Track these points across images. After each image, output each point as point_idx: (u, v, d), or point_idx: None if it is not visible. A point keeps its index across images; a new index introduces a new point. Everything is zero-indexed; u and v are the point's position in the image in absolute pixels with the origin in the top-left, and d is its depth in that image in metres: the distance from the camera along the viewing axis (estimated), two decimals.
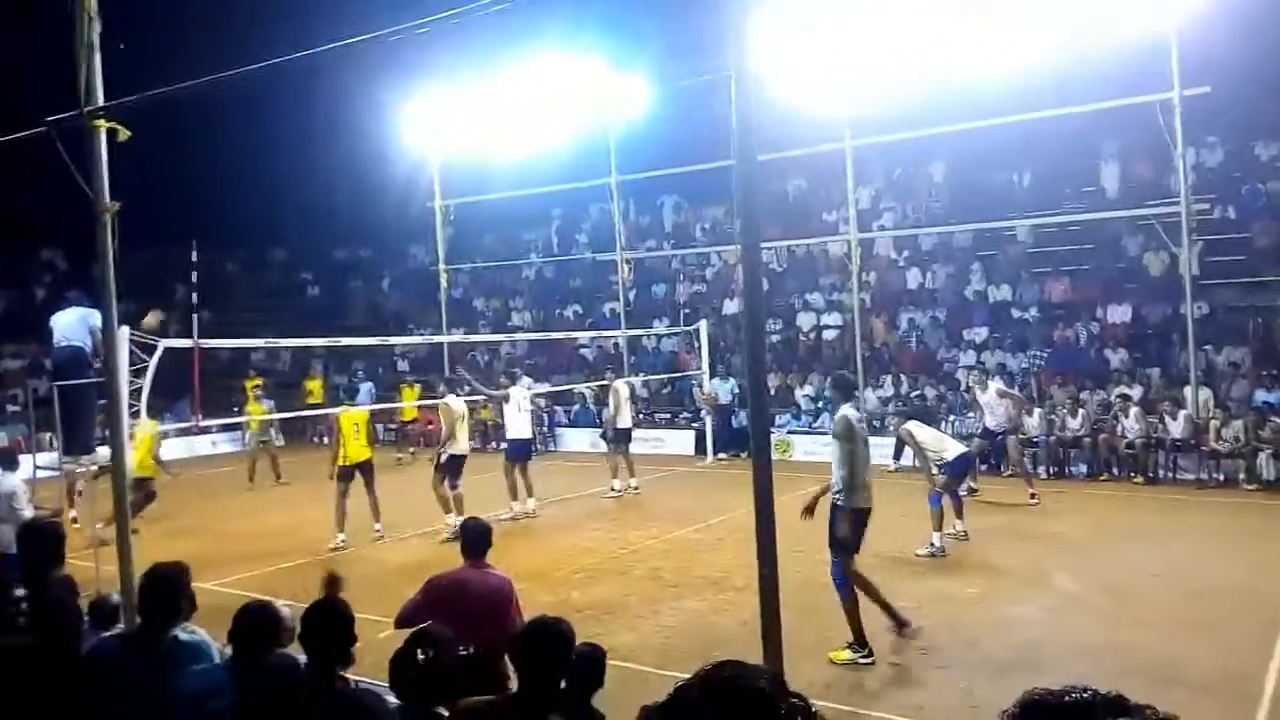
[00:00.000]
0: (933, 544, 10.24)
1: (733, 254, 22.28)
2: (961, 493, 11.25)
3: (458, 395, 12.99)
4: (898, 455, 16.11)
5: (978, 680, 6.78)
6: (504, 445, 14.64)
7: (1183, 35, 14.26)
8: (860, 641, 7.23)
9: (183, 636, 3.77)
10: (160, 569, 3.91)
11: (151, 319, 10.36)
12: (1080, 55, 14.19)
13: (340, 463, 12.11)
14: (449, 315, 23.83)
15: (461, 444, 12.43)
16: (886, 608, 7.45)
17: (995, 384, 14.29)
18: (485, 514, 6.03)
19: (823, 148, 18.74)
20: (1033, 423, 15.29)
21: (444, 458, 12.33)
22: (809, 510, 7.54)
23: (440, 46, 15.88)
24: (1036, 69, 14.57)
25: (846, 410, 7.42)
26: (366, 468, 12.38)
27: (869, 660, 7.18)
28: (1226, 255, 18.00)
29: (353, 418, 12.50)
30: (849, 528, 7.27)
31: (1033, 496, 12.99)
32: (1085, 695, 1.37)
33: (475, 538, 5.27)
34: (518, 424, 13.86)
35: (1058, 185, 20.84)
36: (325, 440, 22.63)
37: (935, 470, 10.66)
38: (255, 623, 3.75)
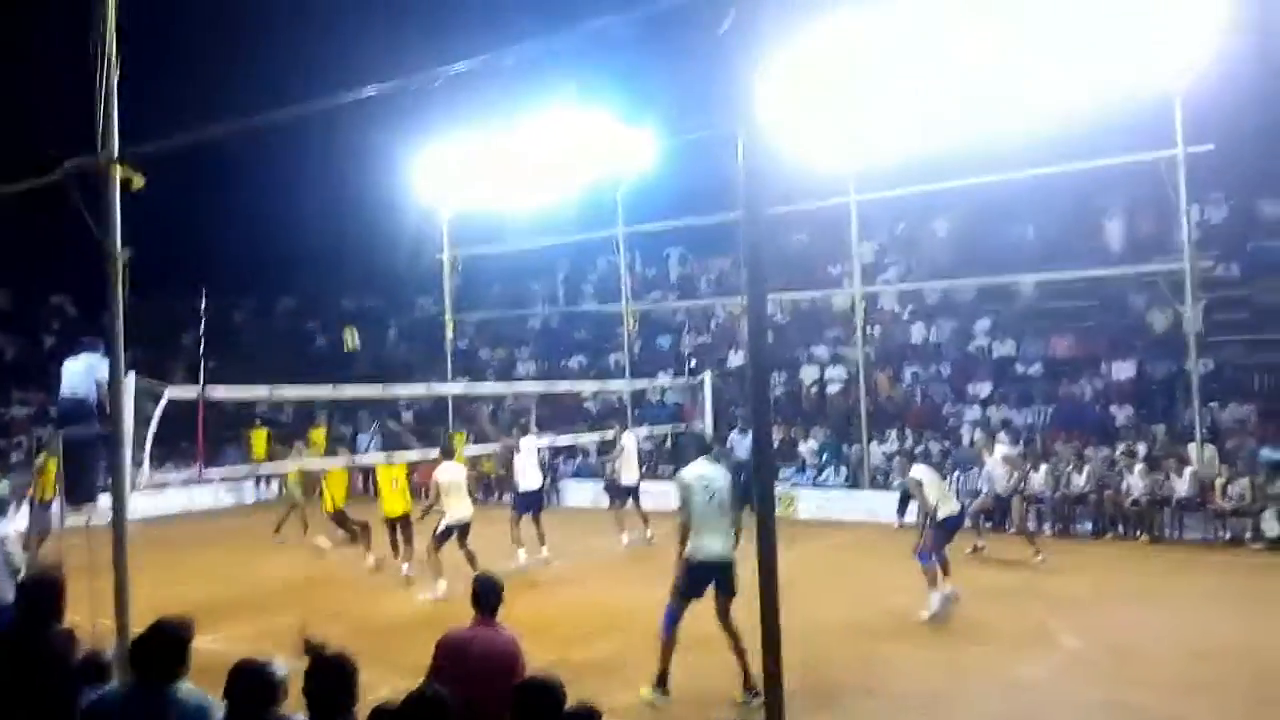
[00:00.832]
0: (937, 603, 9.99)
1: (738, 306, 22.35)
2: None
3: (454, 462, 12.58)
4: (902, 511, 16.00)
5: None
6: (511, 497, 14.57)
7: (1187, 93, 14.39)
8: (660, 682, 7.50)
9: (185, 695, 3.70)
10: (166, 622, 3.86)
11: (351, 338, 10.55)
12: (1085, 112, 14.33)
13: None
14: (454, 365, 23.86)
15: (456, 511, 11.96)
16: (666, 661, 7.56)
17: (1001, 448, 14.14)
18: (494, 568, 5.98)
19: (828, 202, 18.91)
20: (1038, 479, 15.20)
21: (440, 528, 11.91)
22: None
23: (453, 99, 16.13)
24: (1041, 125, 14.71)
25: (689, 465, 7.77)
26: (403, 523, 12.79)
27: (665, 700, 7.44)
28: (1231, 312, 18.02)
29: (391, 473, 12.84)
30: (678, 574, 7.59)
31: (1037, 553, 12.88)
32: None
33: (485, 594, 5.15)
34: (529, 475, 13.86)
35: (1062, 241, 20.90)
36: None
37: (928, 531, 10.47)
38: (251, 682, 3.68)
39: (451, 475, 12.06)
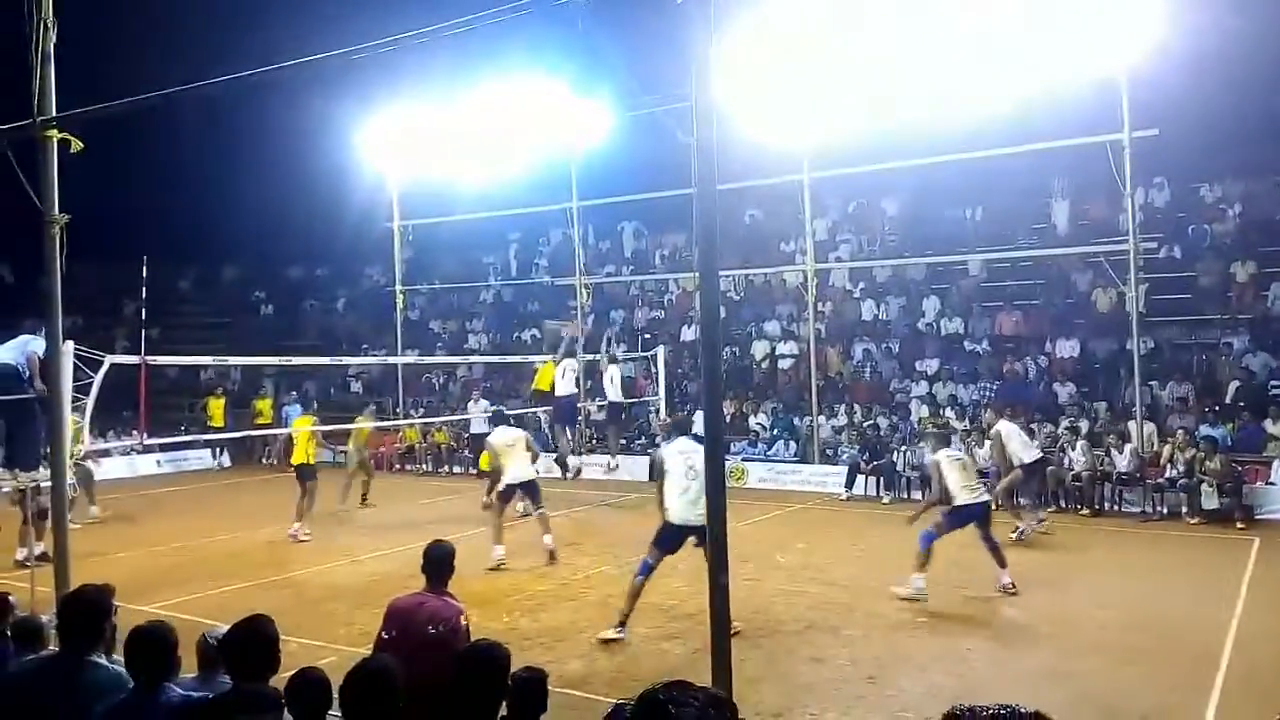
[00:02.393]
0: (916, 585, 9.53)
1: (691, 281, 22.39)
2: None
3: (506, 426, 12.50)
4: (849, 484, 16.25)
5: (924, 708, 6.81)
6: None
7: (1133, 78, 14.60)
8: (621, 623, 8.34)
9: (103, 665, 3.61)
10: (84, 590, 3.78)
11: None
12: (1033, 96, 14.48)
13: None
14: (404, 337, 23.64)
15: (513, 471, 11.82)
16: (630, 604, 8.45)
17: (1005, 423, 13.28)
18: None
19: (782, 179, 18.96)
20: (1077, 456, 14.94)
21: (501, 486, 11.90)
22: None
23: (403, 68, 15.87)
24: (991, 108, 14.84)
25: (673, 442, 8.92)
26: (304, 473, 13.68)
27: (619, 636, 8.29)
28: (1171, 293, 18.43)
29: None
30: (657, 533, 8.51)
31: (1040, 521, 13.10)
32: (1004, 713, 1.49)
33: (436, 562, 5.07)
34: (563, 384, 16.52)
35: (1010, 222, 21.19)
36: (276, 461, 22.19)
37: (939, 512, 10.05)
38: (148, 645, 3.56)
39: (502, 438, 12.10)
